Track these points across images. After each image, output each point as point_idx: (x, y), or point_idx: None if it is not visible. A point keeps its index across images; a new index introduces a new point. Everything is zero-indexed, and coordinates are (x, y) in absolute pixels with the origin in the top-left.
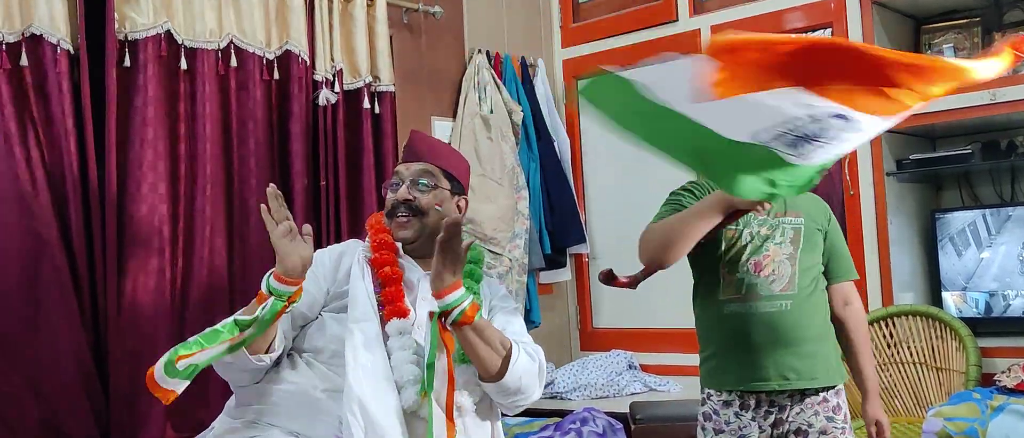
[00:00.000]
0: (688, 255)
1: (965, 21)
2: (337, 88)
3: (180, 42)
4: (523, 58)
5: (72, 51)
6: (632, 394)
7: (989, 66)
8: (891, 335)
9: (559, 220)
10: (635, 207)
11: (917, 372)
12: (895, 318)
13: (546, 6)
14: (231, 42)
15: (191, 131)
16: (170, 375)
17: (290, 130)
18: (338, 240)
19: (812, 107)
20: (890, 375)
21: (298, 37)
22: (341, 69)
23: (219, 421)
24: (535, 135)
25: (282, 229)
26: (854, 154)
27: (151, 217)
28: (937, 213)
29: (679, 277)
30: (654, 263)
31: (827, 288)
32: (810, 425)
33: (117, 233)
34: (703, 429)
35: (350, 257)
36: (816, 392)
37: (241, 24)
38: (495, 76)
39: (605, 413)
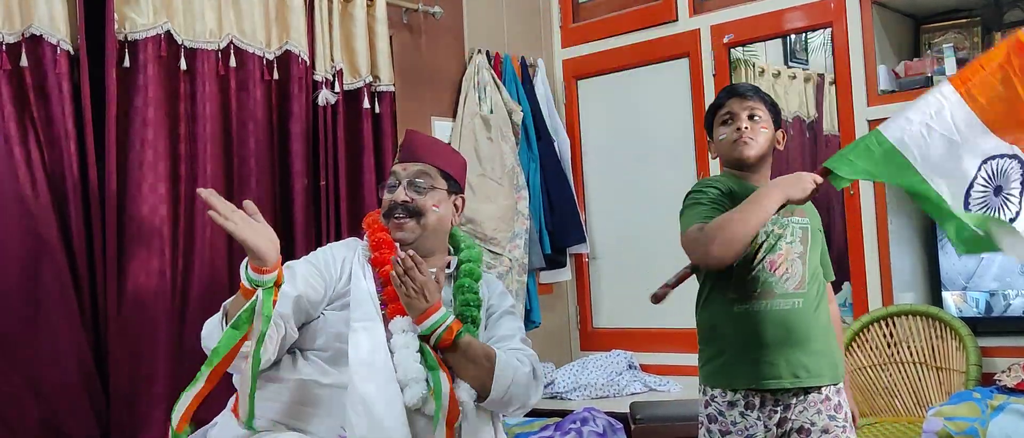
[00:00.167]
0: None
1: (965, 21)
2: (337, 88)
3: (180, 42)
4: (523, 58)
5: (72, 51)
6: (632, 394)
7: None
8: (891, 335)
9: (559, 220)
10: (635, 207)
11: (917, 372)
12: (895, 318)
13: (546, 6)
14: (231, 42)
15: (191, 131)
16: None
17: (290, 130)
18: (338, 240)
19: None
20: (890, 375)
21: (298, 37)
22: (341, 69)
23: (222, 417)
24: (535, 135)
25: (237, 218)
26: None
27: (151, 217)
28: None
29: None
30: (717, 261)
31: None
32: (813, 424)
33: (117, 233)
34: (709, 431)
35: (350, 256)
36: (818, 390)
37: (241, 24)
38: (495, 76)
39: (605, 413)
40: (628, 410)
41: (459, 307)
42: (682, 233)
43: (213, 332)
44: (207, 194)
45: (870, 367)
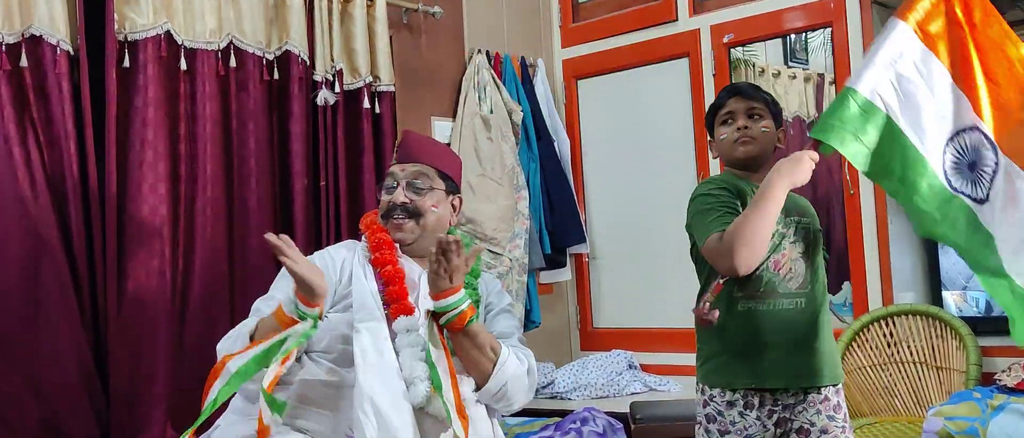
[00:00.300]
0: (695, 254)
1: None
2: (337, 88)
3: (180, 42)
4: (523, 58)
5: (72, 52)
6: (632, 394)
7: None
8: (891, 334)
9: (559, 220)
10: (635, 207)
11: (917, 371)
12: (895, 317)
13: (546, 6)
14: (231, 42)
15: (191, 131)
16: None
17: (290, 130)
18: (338, 240)
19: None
20: (890, 374)
21: (298, 37)
22: (341, 69)
23: (224, 419)
24: (535, 135)
25: (294, 254)
26: None
27: (151, 217)
28: None
29: (679, 277)
30: (746, 268)
31: None
32: (812, 424)
33: (117, 233)
34: (707, 431)
35: (350, 257)
36: (818, 390)
37: (241, 24)
38: (495, 76)
39: (605, 413)
40: (628, 410)
41: None
42: (701, 244)
43: (234, 348)
44: (269, 236)
45: (870, 367)
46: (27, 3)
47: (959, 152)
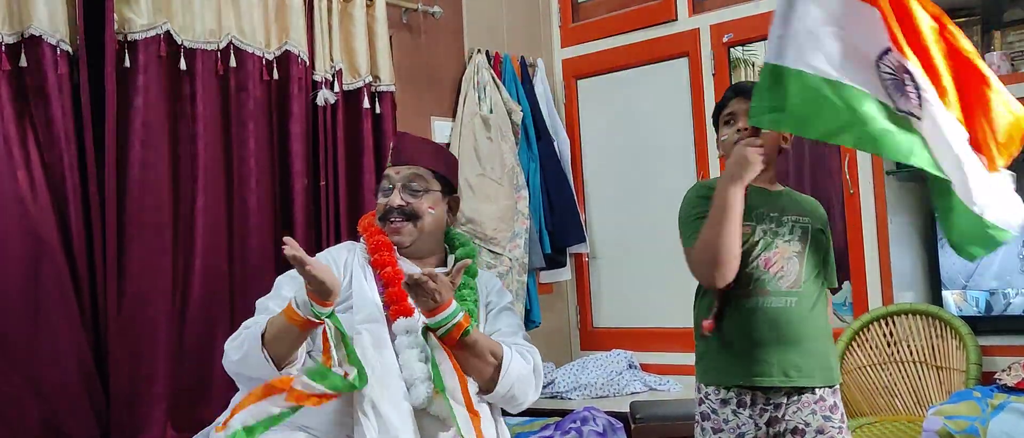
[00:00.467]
0: None
1: (964, 20)
2: (336, 88)
3: (179, 43)
4: (522, 58)
5: (71, 52)
6: (632, 393)
7: None
8: (891, 334)
9: (559, 220)
10: (635, 207)
11: (917, 371)
12: (895, 317)
13: (545, 6)
14: (230, 42)
15: (191, 132)
16: None
17: (290, 130)
18: (338, 240)
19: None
20: (890, 374)
21: (297, 37)
22: (340, 69)
23: (225, 417)
24: (535, 135)
25: (309, 259)
26: (854, 153)
27: (151, 217)
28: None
29: (678, 276)
30: (722, 281)
31: None
32: (807, 424)
33: (117, 234)
34: (702, 429)
35: (351, 258)
36: (812, 391)
37: (240, 24)
38: (495, 76)
39: (605, 412)
40: (628, 409)
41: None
42: (685, 251)
43: (249, 354)
44: (287, 241)
45: (870, 366)
46: (26, 3)
47: (889, 73)
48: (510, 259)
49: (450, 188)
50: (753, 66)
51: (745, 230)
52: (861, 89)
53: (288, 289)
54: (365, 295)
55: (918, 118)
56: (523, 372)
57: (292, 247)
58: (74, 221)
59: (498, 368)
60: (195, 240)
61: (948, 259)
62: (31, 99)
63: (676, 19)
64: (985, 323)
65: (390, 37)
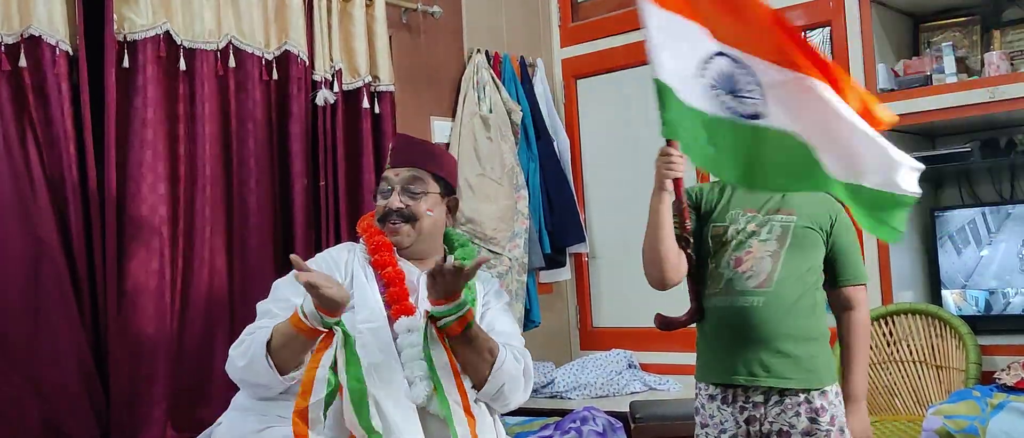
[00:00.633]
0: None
1: (964, 19)
2: (336, 88)
3: (179, 43)
4: (522, 58)
5: (71, 52)
6: (632, 393)
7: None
8: (890, 333)
9: (559, 219)
10: (634, 207)
11: (917, 370)
12: (894, 316)
13: (545, 6)
14: (230, 42)
15: (190, 132)
16: None
17: (289, 130)
18: (338, 240)
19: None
20: (889, 374)
21: (297, 37)
22: (340, 69)
23: (226, 417)
24: (534, 135)
25: (315, 277)
26: None
27: (151, 218)
28: (936, 211)
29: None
30: (661, 284)
31: (831, 291)
32: (793, 426)
33: (117, 234)
34: (696, 424)
35: (351, 259)
36: (796, 393)
37: (240, 24)
38: (494, 76)
39: (605, 412)
40: (628, 409)
41: None
42: None
43: (254, 362)
44: (294, 258)
45: (870, 366)
46: (26, 3)
47: (715, 80)
48: (510, 259)
49: (449, 189)
50: None
51: (718, 230)
52: (698, 109)
53: (288, 292)
54: (366, 295)
55: (764, 115)
56: (514, 373)
57: (305, 274)
58: (74, 221)
59: (492, 365)
60: (195, 240)
61: (947, 259)
62: (31, 99)
63: None
64: (984, 322)
65: (390, 37)
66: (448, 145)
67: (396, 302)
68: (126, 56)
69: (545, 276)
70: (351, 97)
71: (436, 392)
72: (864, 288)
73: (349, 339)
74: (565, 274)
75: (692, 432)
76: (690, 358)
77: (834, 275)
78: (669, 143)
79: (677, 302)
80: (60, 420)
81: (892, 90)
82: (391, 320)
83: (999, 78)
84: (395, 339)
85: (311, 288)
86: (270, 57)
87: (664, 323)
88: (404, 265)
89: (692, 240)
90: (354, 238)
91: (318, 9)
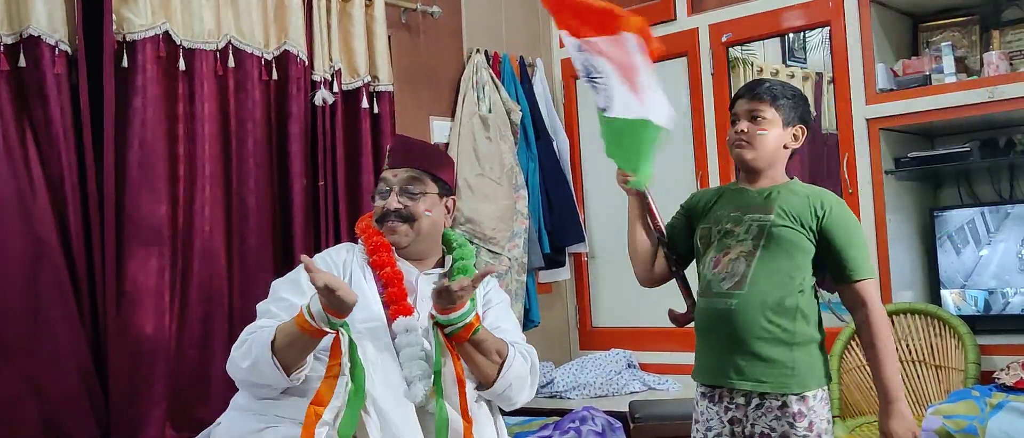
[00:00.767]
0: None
1: (963, 19)
2: (335, 88)
3: (178, 43)
4: (521, 58)
5: (70, 52)
6: (631, 393)
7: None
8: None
9: (558, 219)
10: None
11: (916, 370)
12: (894, 316)
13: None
14: (229, 42)
15: (190, 132)
16: None
17: (289, 130)
18: (337, 240)
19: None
20: None
21: (296, 37)
22: (339, 69)
23: (226, 416)
24: (534, 135)
25: (327, 277)
26: (852, 153)
27: (150, 218)
28: (936, 211)
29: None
30: (644, 283)
31: (838, 290)
32: (772, 429)
33: (116, 234)
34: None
35: (350, 259)
36: (776, 397)
37: (239, 24)
38: (494, 76)
39: (604, 412)
40: (627, 409)
41: None
42: None
43: (259, 362)
44: (304, 258)
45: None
46: (25, 3)
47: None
48: (509, 259)
49: (447, 190)
50: (752, 66)
51: (704, 231)
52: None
53: (287, 292)
54: (365, 295)
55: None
56: (521, 371)
57: (318, 276)
58: (73, 221)
59: (501, 367)
60: (194, 240)
61: (947, 258)
62: (30, 99)
63: (675, 19)
64: (984, 322)
65: (389, 37)
66: (447, 145)
67: (395, 302)
68: (125, 56)
69: (544, 276)
70: (350, 97)
71: (435, 396)
72: (869, 283)
73: (353, 344)
74: (564, 274)
75: (690, 431)
76: (689, 358)
77: (835, 274)
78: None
79: (676, 302)
80: (59, 420)
81: (891, 90)
82: (389, 320)
83: (998, 78)
84: (393, 339)
85: (326, 290)
86: (269, 57)
87: (672, 318)
88: (402, 265)
89: (665, 236)
90: (353, 238)
91: (317, 9)
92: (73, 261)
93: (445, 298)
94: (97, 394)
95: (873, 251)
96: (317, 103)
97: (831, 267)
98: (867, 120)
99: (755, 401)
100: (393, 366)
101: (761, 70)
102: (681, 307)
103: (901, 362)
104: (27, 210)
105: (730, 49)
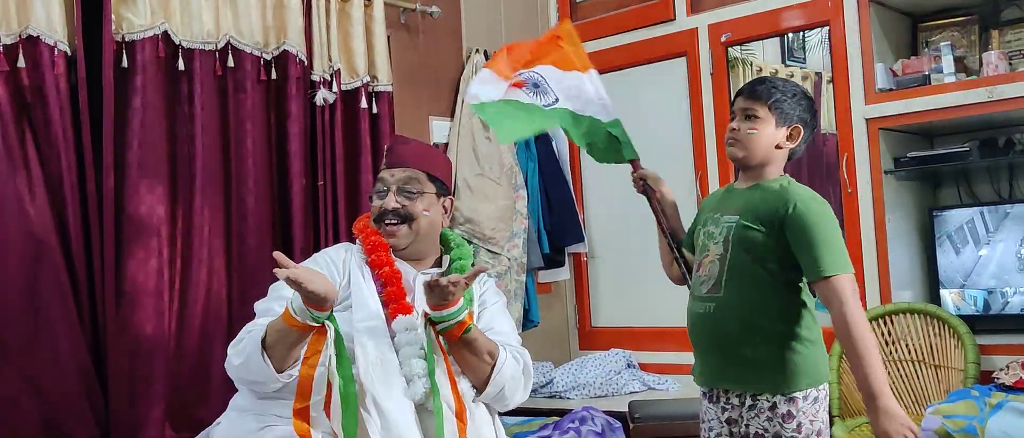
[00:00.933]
0: None
1: (962, 19)
2: (335, 88)
3: (177, 43)
4: None
5: (69, 52)
6: (631, 393)
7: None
8: (889, 333)
9: (557, 219)
10: (633, 206)
11: (915, 370)
12: (893, 316)
13: (544, 5)
14: (228, 43)
15: (189, 132)
16: None
17: (288, 130)
18: (336, 240)
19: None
20: (888, 373)
21: (295, 37)
22: (339, 69)
23: (226, 417)
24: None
25: (302, 272)
26: (851, 152)
27: (149, 218)
28: (935, 211)
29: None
30: (673, 281)
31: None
32: (766, 430)
33: (115, 234)
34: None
35: (348, 258)
36: (766, 398)
37: (238, 24)
38: None
39: (604, 412)
40: (627, 409)
41: None
42: None
43: (250, 359)
44: (277, 255)
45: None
46: (24, 4)
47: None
48: (508, 259)
49: (444, 189)
50: (751, 66)
51: (696, 235)
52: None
53: (287, 290)
54: (364, 294)
55: (556, 100)
56: (514, 373)
57: (285, 269)
58: (72, 222)
59: (493, 368)
60: (193, 240)
61: (946, 258)
62: (29, 100)
63: (674, 19)
64: (983, 322)
65: (388, 37)
66: (447, 145)
67: (393, 301)
68: (124, 56)
69: (544, 276)
70: (349, 97)
71: (432, 394)
72: (839, 278)
73: (339, 336)
74: (564, 274)
75: (690, 432)
76: (688, 358)
77: (805, 272)
78: (632, 164)
79: (676, 301)
80: (59, 420)
81: (890, 90)
82: (388, 319)
83: (997, 77)
84: (393, 338)
85: (294, 284)
86: (268, 57)
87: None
88: (400, 265)
89: (667, 235)
90: (352, 238)
91: (316, 9)
92: (72, 261)
93: (436, 294)
94: (96, 394)
95: (872, 250)
96: (318, 103)
97: (802, 266)
98: (866, 120)
99: (748, 402)
100: (393, 365)
101: (760, 70)
102: (672, 310)
103: (900, 362)
104: (26, 210)
105: (729, 49)
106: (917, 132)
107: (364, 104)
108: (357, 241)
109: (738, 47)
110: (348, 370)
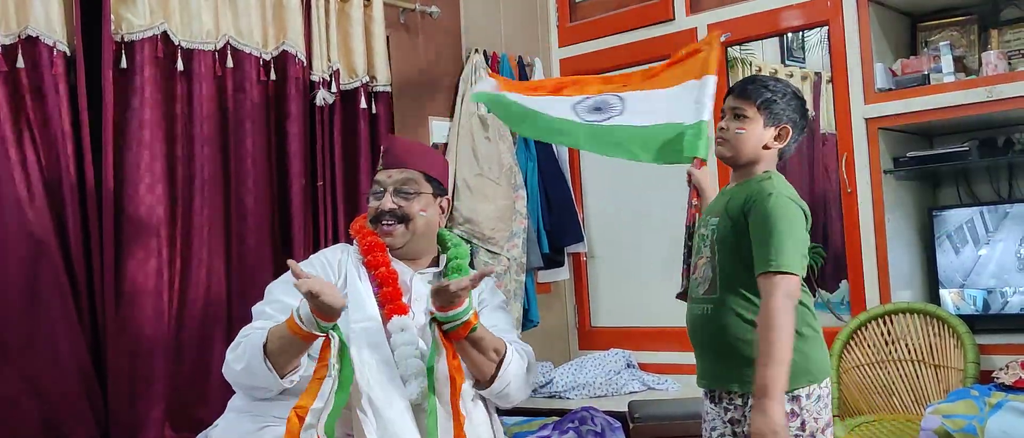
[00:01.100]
0: None
1: (962, 18)
2: (334, 88)
3: (177, 43)
4: (520, 58)
5: (68, 53)
6: (631, 393)
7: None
8: (888, 332)
9: (557, 219)
10: (633, 206)
11: (915, 370)
12: (893, 315)
13: (543, 5)
14: (228, 43)
15: (188, 132)
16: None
17: (287, 131)
18: (335, 240)
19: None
20: (888, 373)
21: (295, 37)
22: (338, 69)
23: (224, 418)
24: None
25: (313, 284)
26: (851, 152)
27: (148, 218)
28: (934, 210)
29: (676, 276)
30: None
31: None
32: None
33: (114, 234)
34: None
35: (345, 259)
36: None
37: (238, 25)
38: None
39: (603, 412)
40: (626, 409)
41: None
42: None
43: (252, 365)
44: (292, 264)
45: (868, 365)
46: (24, 4)
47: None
48: (508, 259)
49: (441, 190)
50: (750, 65)
51: (697, 236)
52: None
53: (282, 293)
54: (360, 295)
55: (608, 117)
56: (519, 370)
57: (304, 281)
58: (71, 222)
59: (499, 365)
60: (192, 240)
61: (946, 258)
62: (28, 100)
63: (673, 18)
64: (983, 322)
65: (387, 37)
66: (446, 145)
67: (390, 302)
68: (124, 56)
69: (543, 276)
70: (349, 97)
71: (428, 394)
72: (772, 278)
73: (344, 347)
74: (563, 274)
75: (691, 432)
76: (688, 358)
77: (755, 265)
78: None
79: (674, 301)
80: (59, 420)
81: (890, 89)
82: (385, 320)
83: (997, 77)
84: (389, 338)
85: (310, 296)
86: (268, 57)
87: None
88: (397, 265)
89: (687, 226)
90: (350, 239)
91: (316, 9)
92: (72, 261)
93: (443, 297)
94: (96, 394)
95: (871, 250)
96: (318, 103)
97: (754, 258)
98: (866, 120)
99: (751, 402)
100: (389, 364)
101: (760, 69)
102: (669, 310)
103: (900, 362)
104: (25, 211)
105: (729, 49)
106: (916, 132)
107: (363, 104)
108: (354, 242)
109: (737, 47)
110: (349, 378)
